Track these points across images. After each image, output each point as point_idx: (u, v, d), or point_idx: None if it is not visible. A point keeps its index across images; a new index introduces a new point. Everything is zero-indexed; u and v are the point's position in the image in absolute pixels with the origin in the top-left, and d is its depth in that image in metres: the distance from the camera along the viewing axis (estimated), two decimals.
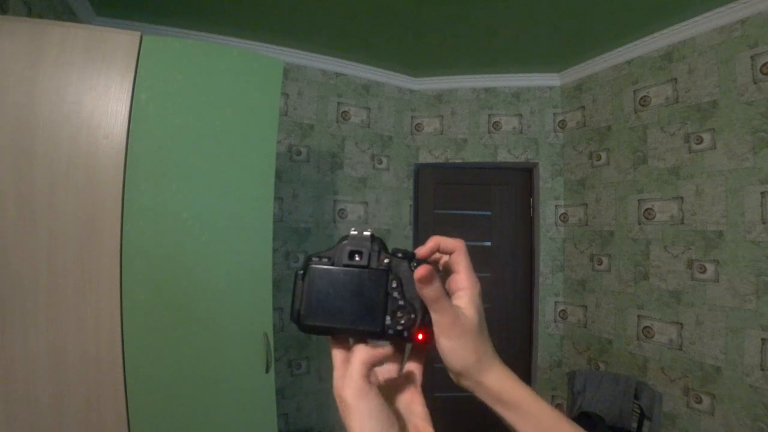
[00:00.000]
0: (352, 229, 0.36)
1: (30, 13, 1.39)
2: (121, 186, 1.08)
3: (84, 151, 1.04)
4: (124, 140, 1.08)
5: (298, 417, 2.31)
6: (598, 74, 2.40)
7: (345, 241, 0.35)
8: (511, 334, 2.68)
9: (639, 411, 1.89)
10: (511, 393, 0.35)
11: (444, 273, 0.39)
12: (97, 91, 1.06)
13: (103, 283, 1.05)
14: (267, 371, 1.28)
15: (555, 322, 2.58)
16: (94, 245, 1.04)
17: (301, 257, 2.34)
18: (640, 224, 2.14)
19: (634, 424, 1.89)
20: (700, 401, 1.83)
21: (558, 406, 2.49)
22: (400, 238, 2.64)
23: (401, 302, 0.34)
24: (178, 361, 1.15)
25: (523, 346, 2.68)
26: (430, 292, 0.32)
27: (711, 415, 1.78)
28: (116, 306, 1.06)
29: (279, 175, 2.28)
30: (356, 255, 0.34)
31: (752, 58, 1.71)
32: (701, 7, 1.81)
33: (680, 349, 1.92)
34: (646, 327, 2.08)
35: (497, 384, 0.35)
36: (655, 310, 2.04)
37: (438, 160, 2.71)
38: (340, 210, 2.47)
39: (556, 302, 2.58)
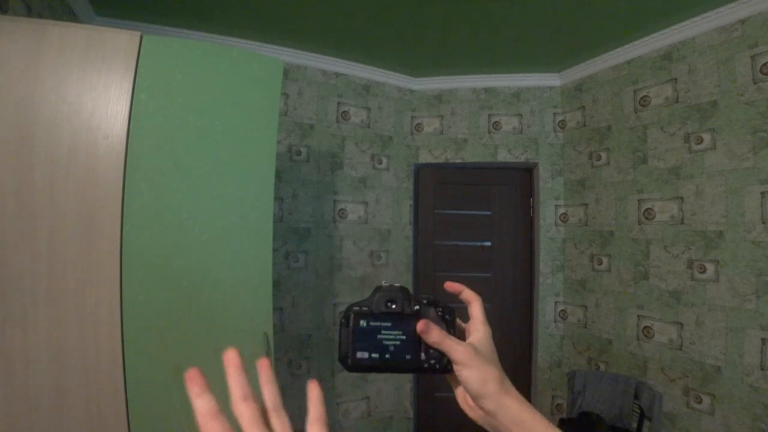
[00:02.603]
0: (383, 281, 0.43)
1: (30, 13, 1.39)
2: (121, 186, 1.08)
3: (84, 151, 1.04)
4: (124, 140, 1.08)
5: (299, 417, 2.30)
6: (598, 74, 2.40)
7: (379, 293, 0.41)
8: (511, 334, 2.68)
9: (639, 411, 1.89)
10: (527, 415, 0.38)
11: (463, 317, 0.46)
12: (97, 91, 1.06)
13: (103, 283, 1.05)
14: None
15: (555, 322, 2.58)
16: (94, 245, 1.04)
17: (302, 257, 2.34)
18: (640, 224, 2.14)
19: (634, 424, 1.89)
20: (700, 401, 1.83)
21: (558, 407, 2.49)
22: (400, 239, 2.64)
23: None
24: (178, 361, 1.15)
25: (523, 346, 2.68)
26: (432, 338, 0.39)
27: (711, 415, 1.78)
28: (116, 306, 1.06)
29: (279, 175, 2.28)
30: (391, 303, 0.40)
31: (752, 58, 1.71)
32: (701, 7, 1.81)
33: (680, 349, 1.92)
34: (646, 327, 2.08)
35: (517, 405, 0.38)
36: (655, 310, 2.04)
37: (438, 160, 2.71)
38: (340, 210, 2.47)
39: (556, 302, 2.58)
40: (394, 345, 0.39)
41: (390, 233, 2.61)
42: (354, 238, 2.50)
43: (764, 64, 1.67)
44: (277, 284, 2.22)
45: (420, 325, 0.39)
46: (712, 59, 1.85)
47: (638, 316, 2.12)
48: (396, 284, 0.41)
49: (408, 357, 0.39)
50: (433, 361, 0.40)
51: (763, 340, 1.63)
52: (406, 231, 2.68)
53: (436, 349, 0.39)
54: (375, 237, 2.56)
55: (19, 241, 0.98)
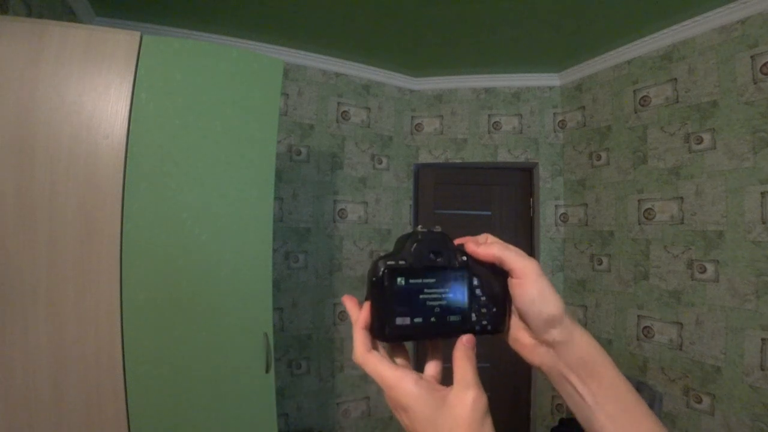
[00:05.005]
0: (419, 226, 0.35)
1: (30, 13, 1.39)
2: (121, 186, 1.08)
3: (84, 151, 1.04)
4: (124, 140, 1.08)
5: (298, 417, 2.30)
6: (598, 74, 2.40)
7: (417, 243, 0.33)
8: None
9: None
10: (598, 356, 0.32)
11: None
12: (97, 91, 1.06)
13: (103, 282, 1.05)
14: (267, 371, 1.28)
15: None
16: (94, 244, 1.05)
17: (302, 257, 2.34)
18: (640, 224, 2.14)
19: None
20: (700, 401, 1.83)
21: (558, 406, 2.49)
22: None
23: (483, 298, 0.34)
24: (178, 361, 1.15)
25: None
26: (492, 250, 0.34)
27: (711, 415, 1.78)
28: (116, 306, 1.06)
29: (279, 175, 2.28)
30: (435, 255, 0.33)
31: (752, 58, 1.71)
32: (701, 7, 1.81)
33: (680, 349, 1.92)
34: (646, 327, 2.08)
35: (588, 341, 0.32)
36: (655, 310, 2.04)
37: (438, 160, 2.71)
38: (340, 210, 2.47)
39: None
40: (440, 306, 0.32)
41: (390, 233, 2.61)
42: (354, 238, 2.50)
43: (764, 64, 1.67)
44: (277, 284, 2.22)
45: (483, 238, 0.35)
46: (712, 59, 1.85)
47: (638, 316, 2.12)
48: (435, 229, 0.34)
49: (456, 319, 0.33)
50: (485, 322, 0.34)
51: (763, 340, 1.63)
52: (407, 231, 2.68)
53: (488, 310, 0.34)
54: (375, 237, 2.56)
55: (19, 241, 0.98)
